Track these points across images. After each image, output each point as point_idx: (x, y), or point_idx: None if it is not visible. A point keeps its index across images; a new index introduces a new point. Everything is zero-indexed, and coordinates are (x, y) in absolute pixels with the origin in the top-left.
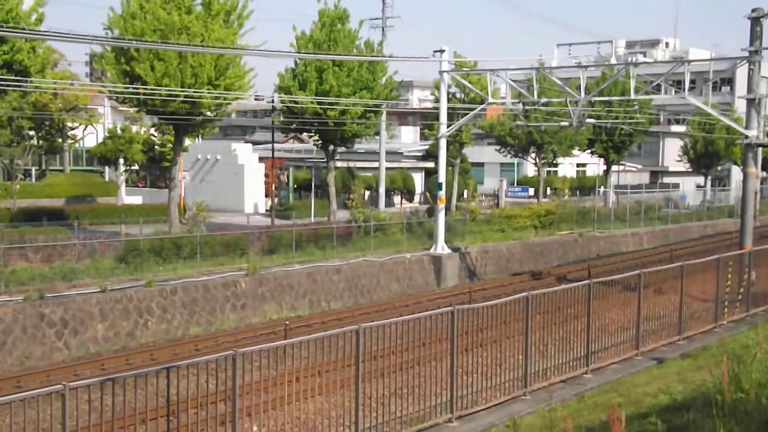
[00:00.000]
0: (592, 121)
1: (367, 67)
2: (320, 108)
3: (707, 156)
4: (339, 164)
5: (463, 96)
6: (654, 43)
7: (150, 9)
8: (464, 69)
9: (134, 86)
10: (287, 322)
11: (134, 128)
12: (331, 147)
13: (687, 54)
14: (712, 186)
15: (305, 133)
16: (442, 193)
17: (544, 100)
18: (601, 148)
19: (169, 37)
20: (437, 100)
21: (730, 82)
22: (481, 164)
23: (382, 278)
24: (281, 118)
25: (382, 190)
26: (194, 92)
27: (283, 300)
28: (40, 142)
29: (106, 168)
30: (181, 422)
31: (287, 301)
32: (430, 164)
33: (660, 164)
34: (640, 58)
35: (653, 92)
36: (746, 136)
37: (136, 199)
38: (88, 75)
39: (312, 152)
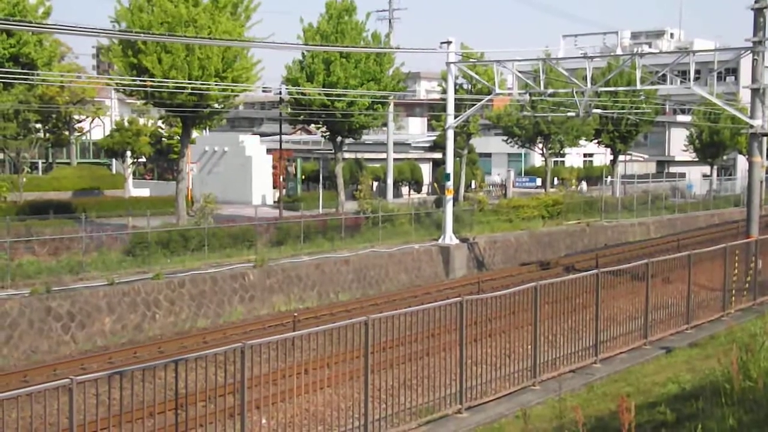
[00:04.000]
0: (598, 111)
1: (375, 58)
2: (328, 99)
3: (713, 145)
4: (347, 155)
5: (470, 87)
6: (659, 34)
7: (157, 1)
8: (471, 60)
9: (141, 79)
10: (296, 314)
11: (141, 121)
12: (339, 138)
13: (692, 44)
14: (718, 175)
15: (313, 125)
16: (450, 183)
17: (550, 90)
18: (608, 138)
19: (176, 29)
20: (444, 92)
21: (734, 72)
22: (489, 155)
23: (391, 269)
24: (289, 110)
25: (390, 181)
26: (201, 84)
27: (292, 292)
28: (47, 134)
29: (113, 160)
30: (189, 415)
31: (295, 292)
32: (438, 155)
33: (666, 154)
34: (646, 49)
35: (659, 82)
36: (751, 126)
37: (144, 192)
38: (95, 68)
39: (320, 144)
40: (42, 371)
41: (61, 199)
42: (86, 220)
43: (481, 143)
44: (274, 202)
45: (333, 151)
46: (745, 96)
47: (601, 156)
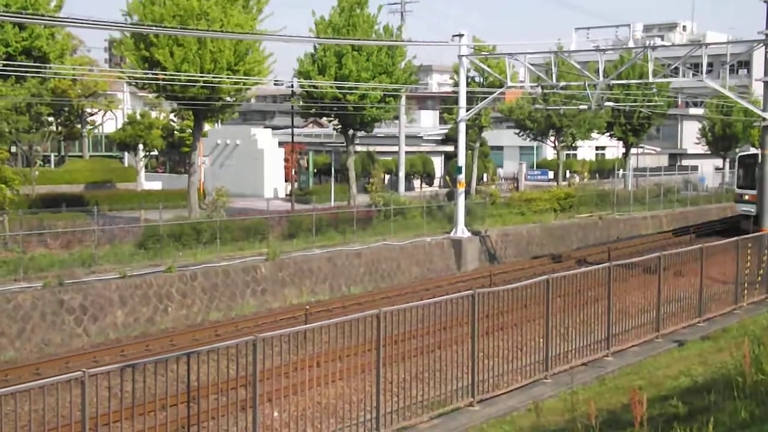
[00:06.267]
0: (610, 104)
1: (386, 51)
2: (339, 92)
3: (725, 138)
4: (359, 148)
5: (482, 80)
6: (671, 27)
7: None
8: (483, 53)
9: (153, 72)
10: (307, 307)
11: (153, 114)
12: (351, 131)
13: (704, 37)
14: (730, 168)
15: (325, 118)
16: (462, 176)
17: (562, 83)
18: (620, 131)
19: (188, 22)
20: (456, 84)
21: (747, 65)
22: (501, 148)
23: (403, 262)
24: (301, 103)
25: (401, 174)
26: (213, 77)
27: (303, 285)
28: (59, 128)
29: (126, 154)
30: (201, 408)
31: (307, 285)
32: (450, 148)
33: (678, 147)
34: (658, 42)
35: (671, 75)
36: (764, 119)
37: (156, 185)
38: (108, 61)
39: (331, 137)
40: (54, 364)
41: (73, 193)
42: (98, 213)
43: (493, 136)
44: (286, 195)
45: (345, 144)
46: (757, 88)
47: (614, 149)
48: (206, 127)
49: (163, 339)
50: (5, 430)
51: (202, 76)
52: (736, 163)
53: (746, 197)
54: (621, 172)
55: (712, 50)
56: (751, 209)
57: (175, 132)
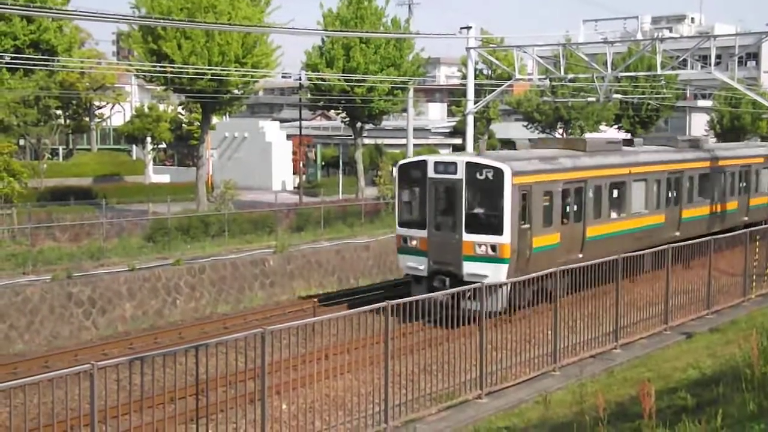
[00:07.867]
0: (618, 96)
1: (394, 44)
2: (347, 85)
3: (734, 130)
4: (366, 141)
5: (490, 72)
6: (680, 19)
7: None
8: (491, 45)
9: (161, 65)
10: (316, 300)
11: (161, 107)
12: (359, 124)
13: (712, 29)
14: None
15: (333, 111)
16: None
17: (570, 75)
18: (628, 123)
19: (196, 15)
20: (464, 77)
21: (755, 56)
22: (509, 140)
23: None
24: (309, 96)
25: None
26: (221, 70)
27: (312, 277)
28: (67, 121)
29: (134, 147)
30: (210, 401)
31: (316, 278)
32: (458, 140)
33: None
34: (666, 34)
35: (679, 67)
36: None
37: (164, 178)
38: (116, 54)
39: (339, 129)
40: (63, 357)
41: (81, 186)
42: (106, 206)
43: (501, 129)
44: (294, 187)
45: (353, 137)
46: (766, 80)
47: None
48: (214, 119)
49: (172, 332)
50: (15, 422)
51: (209, 69)
52: (396, 180)
53: (414, 243)
54: None
55: (720, 42)
56: (422, 266)
57: (183, 125)
